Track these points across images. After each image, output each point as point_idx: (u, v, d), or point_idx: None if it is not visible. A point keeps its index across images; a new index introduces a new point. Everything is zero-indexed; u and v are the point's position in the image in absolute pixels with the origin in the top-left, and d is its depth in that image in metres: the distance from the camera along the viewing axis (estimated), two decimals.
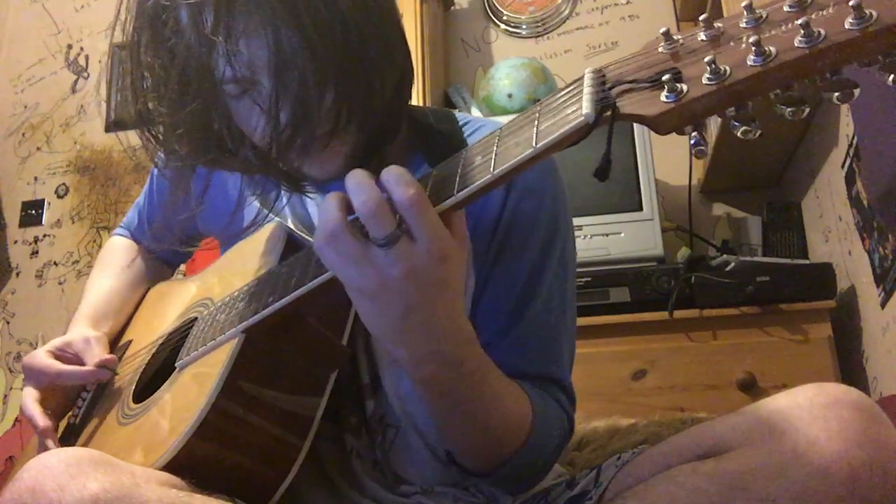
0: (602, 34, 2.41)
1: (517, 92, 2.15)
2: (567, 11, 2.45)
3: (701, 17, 0.51)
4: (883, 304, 1.49)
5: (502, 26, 2.50)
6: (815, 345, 1.58)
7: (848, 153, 1.63)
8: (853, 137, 1.58)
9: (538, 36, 2.46)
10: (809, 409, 0.59)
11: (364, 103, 0.72)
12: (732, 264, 1.65)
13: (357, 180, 0.57)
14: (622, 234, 1.79)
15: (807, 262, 1.74)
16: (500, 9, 2.50)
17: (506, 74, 2.19)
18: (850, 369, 1.65)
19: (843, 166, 1.66)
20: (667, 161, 2.06)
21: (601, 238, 1.79)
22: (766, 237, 2.01)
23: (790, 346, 1.59)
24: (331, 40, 0.67)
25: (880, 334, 1.52)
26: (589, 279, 1.69)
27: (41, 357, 0.90)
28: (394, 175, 0.57)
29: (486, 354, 0.70)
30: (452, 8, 2.52)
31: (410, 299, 0.58)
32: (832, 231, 1.79)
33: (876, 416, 0.58)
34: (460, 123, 0.89)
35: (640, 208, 1.81)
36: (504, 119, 2.12)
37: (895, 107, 1.29)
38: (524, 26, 2.48)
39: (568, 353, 0.86)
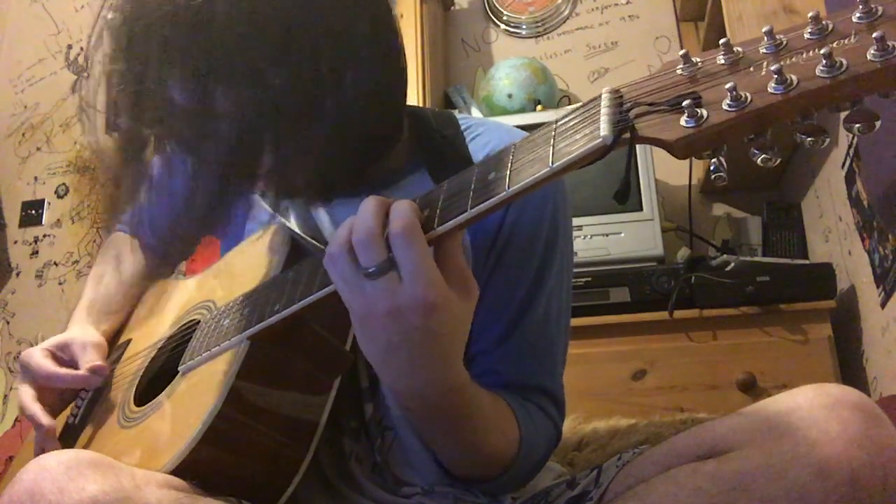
0: (602, 34, 2.41)
1: (517, 92, 2.15)
2: (567, 11, 2.45)
3: (721, 41, 0.51)
4: (883, 304, 1.49)
5: (502, 26, 2.50)
6: (815, 345, 1.58)
7: (848, 153, 1.63)
8: (853, 137, 1.58)
9: (538, 36, 2.46)
10: (810, 409, 0.59)
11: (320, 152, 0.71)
12: (732, 264, 1.65)
13: (364, 207, 0.58)
14: (622, 234, 1.79)
15: (807, 262, 1.74)
16: (500, 9, 2.50)
17: (506, 74, 2.19)
18: (850, 369, 1.65)
19: (843, 166, 1.66)
20: (667, 161, 2.06)
21: (601, 238, 1.79)
22: (766, 237, 2.01)
23: (790, 346, 1.59)
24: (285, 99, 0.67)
25: (880, 334, 1.52)
26: (589, 279, 1.69)
27: (37, 356, 0.89)
28: (395, 206, 0.58)
29: (474, 397, 0.68)
30: (452, 8, 2.52)
31: (393, 338, 0.59)
32: (832, 231, 1.79)
33: (876, 416, 0.58)
34: (462, 127, 0.89)
35: (640, 208, 1.81)
36: (504, 119, 2.10)
37: (895, 107, 1.28)
38: (524, 26, 2.48)
39: (561, 363, 0.86)
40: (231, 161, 0.68)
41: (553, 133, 0.56)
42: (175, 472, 0.65)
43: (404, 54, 0.78)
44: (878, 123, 0.46)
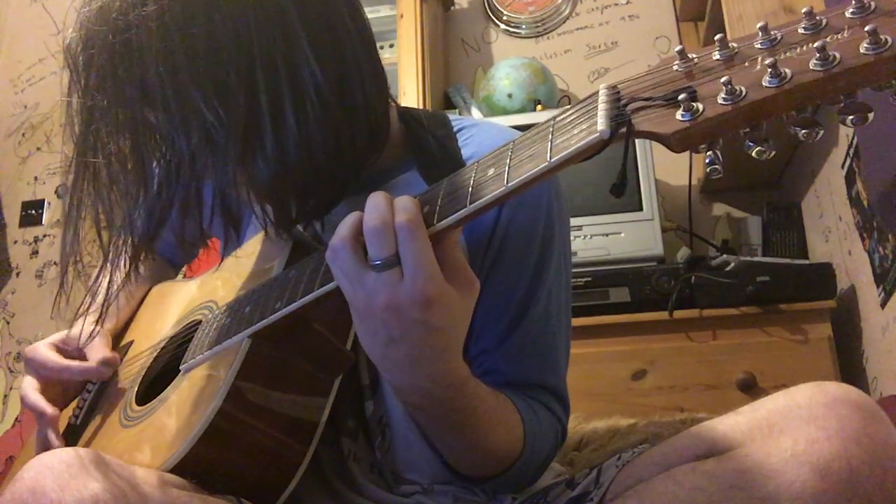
0: (602, 34, 2.41)
1: (517, 92, 2.15)
2: (567, 11, 2.45)
3: (717, 37, 0.51)
4: (883, 304, 1.49)
5: (502, 26, 2.50)
6: (815, 345, 1.58)
7: (848, 153, 1.63)
8: (853, 137, 1.58)
9: (538, 36, 2.46)
10: (809, 407, 0.59)
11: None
12: (732, 264, 1.65)
13: (374, 200, 0.59)
14: (622, 234, 1.80)
15: (807, 262, 1.74)
16: (500, 9, 2.50)
17: (506, 74, 2.19)
18: (850, 369, 1.65)
19: (843, 166, 1.66)
20: (667, 161, 2.06)
21: (601, 238, 1.80)
22: (766, 237, 2.01)
23: (790, 346, 1.59)
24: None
25: (880, 334, 1.52)
26: (589, 279, 1.69)
27: (43, 350, 0.89)
28: (399, 200, 0.59)
29: (476, 392, 0.69)
30: (452, 8, 2.52)
31: (392, 332, 0.59)
32: (832, 231, 1.79)
33: (875, 414, 0.58)
34: (455, 129, 0.89)
35: (640, 208, 1.81)
36: (504, 119, 2.09)
37: (895, 107, 1.28)
38: (524, 26, 2.48)
39: (564, 360, 0.86)
40: (170, 185, 0.70)
41: (551, 129, 0.56)
42: (175, 470, 0.66)
43: (374, 71, 0.76)
44: (871, 115, 0.46)
